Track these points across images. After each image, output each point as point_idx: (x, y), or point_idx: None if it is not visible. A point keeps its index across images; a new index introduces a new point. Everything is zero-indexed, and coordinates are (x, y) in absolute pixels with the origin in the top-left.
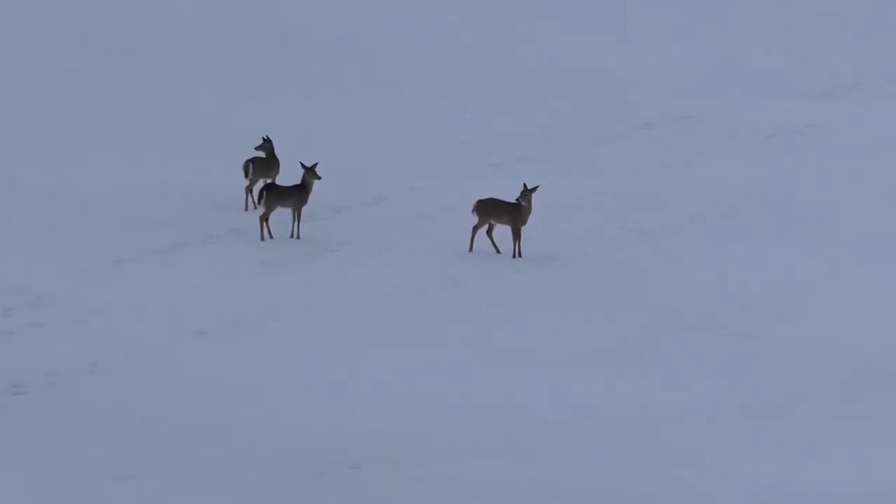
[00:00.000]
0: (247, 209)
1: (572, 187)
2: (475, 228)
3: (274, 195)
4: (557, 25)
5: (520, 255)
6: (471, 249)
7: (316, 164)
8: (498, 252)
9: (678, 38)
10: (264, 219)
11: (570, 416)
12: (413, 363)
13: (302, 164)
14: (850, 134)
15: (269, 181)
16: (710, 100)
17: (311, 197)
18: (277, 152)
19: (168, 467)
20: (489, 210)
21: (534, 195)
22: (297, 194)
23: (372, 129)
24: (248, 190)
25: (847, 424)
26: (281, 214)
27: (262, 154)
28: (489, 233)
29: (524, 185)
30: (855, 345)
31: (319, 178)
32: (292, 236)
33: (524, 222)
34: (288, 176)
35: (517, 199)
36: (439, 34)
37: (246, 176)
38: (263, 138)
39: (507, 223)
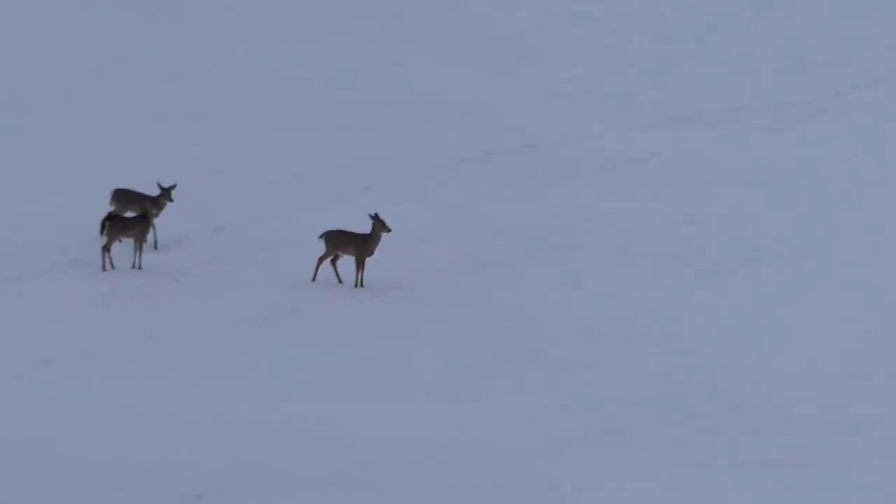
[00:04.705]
0: (156, 248)
1: (415, 216)
2: (321, 259)
3: (116, 226)
4: (403, 53)
5: (362, 286)
6: (314, 279)
7: (158, 196)
8: (340, 282)
9: (521, 68)
10: (106, 249)
11: (410, 446)
12: (253, 393)
13: (148, 198)
14: (691, 162)
15: (111, 211)
16: (553, 129)
17: (153, 227)
18: (127, 183)
19: (3, 499)
20: (338, 241)
21: (382, 222)
22: (140, 225)
23: (212, 159)
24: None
25: (685, 450)
26: (123, 245)
27: (134, 189)
28: (333, 262)
29: (376, 214)
30: (694, 371)
31: (162, 208)
32: (134, 266)
33: (370, 253)
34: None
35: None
36: (281, 61)
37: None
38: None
39: (352, 254)
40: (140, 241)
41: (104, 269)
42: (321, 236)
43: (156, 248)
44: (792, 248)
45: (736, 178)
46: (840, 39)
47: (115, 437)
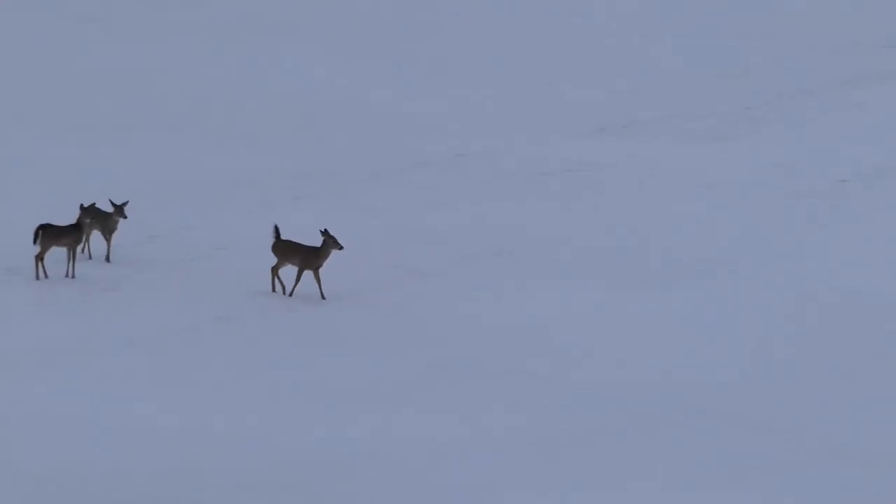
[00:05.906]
0: (90, 257)
1: (347, 225)
2: (274, 269)
3: (49, 235)
4: (333, 60)
5: (290, 295)
6: (273, 290)
7: (93, 203)
8: (273, 291)
9: (453, 75)
10: (39, 258)
11: (348, 453)
12: (190, 402)
13: (81, 206)
14: (622, 172)
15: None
16: (484, 138)
17: (86, 236)
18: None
19: None
20: (285, 251)
21: (333, 239)
22: (72, 234)
23: (145, 168)
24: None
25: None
26: (57, 253)
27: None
28: (275, 271)
29: (326, 230)
30: (633, 380)
31: (94, 218)
32: (67, 276)
33: (315, 266)
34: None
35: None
36: (210, 71)
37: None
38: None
39: (296, 264)
40: (73, 250)
41: (37, 278)
42: (272, 249)
43: (90, 257)
44: (727, 256)
45: (671, 187)
46: (771, 48)
47: (51, 448)
